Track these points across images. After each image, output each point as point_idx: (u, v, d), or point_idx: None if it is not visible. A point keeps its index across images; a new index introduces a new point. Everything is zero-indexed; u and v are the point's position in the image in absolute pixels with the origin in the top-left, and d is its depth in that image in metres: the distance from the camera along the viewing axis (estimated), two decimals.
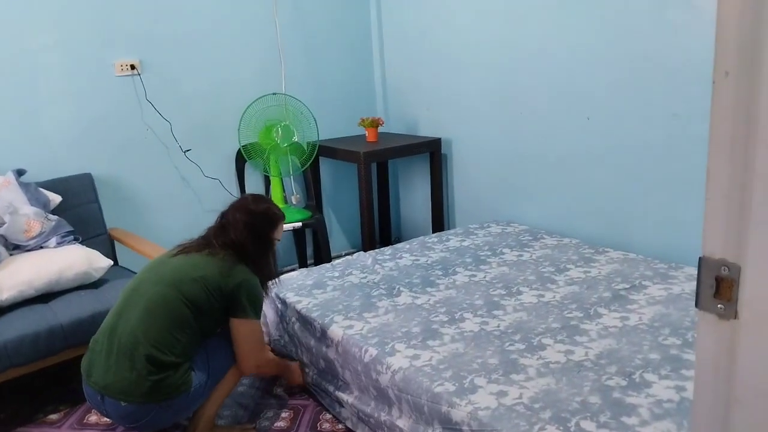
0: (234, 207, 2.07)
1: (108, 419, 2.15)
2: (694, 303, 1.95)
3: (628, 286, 2.22)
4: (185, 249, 2.02)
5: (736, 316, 0.62)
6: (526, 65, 2.96)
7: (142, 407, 1.80)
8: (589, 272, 2.39)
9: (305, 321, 2.24)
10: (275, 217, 2.12)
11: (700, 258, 0.65)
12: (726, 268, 0.63)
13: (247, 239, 2.00)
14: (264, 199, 2.15)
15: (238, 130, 3.11)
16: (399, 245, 2.87)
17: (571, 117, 2.81)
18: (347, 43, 3.70)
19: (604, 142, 2.70)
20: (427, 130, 3.60)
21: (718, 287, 0.63)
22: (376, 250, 2.83)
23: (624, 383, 1.65)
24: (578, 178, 2.85)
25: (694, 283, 2.06)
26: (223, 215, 2.06)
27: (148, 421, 1.89)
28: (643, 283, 2.24)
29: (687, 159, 2.42)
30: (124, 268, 2.74)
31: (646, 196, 2.59)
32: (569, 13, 2.72)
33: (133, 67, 2.94)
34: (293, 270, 3.61)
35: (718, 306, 0.64)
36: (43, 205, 2.53)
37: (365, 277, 2.49)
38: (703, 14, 2.26)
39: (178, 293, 1.87)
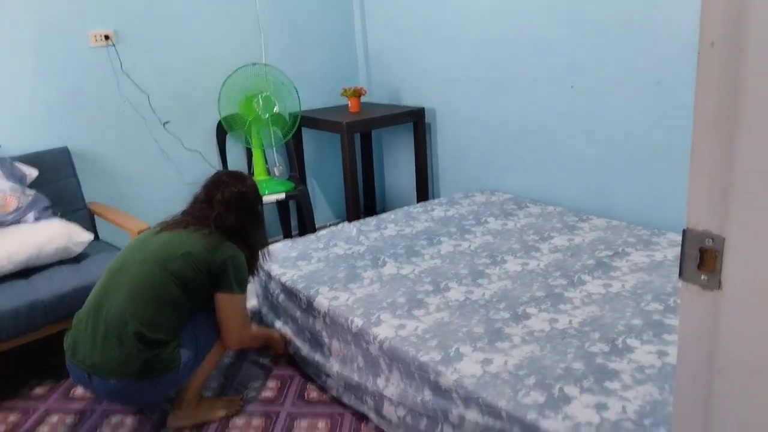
0: (215, 184, 2.03)
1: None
2: (676, 270, 1.97)
3: (611, 253, 2.24)
4: (169, 226, 1.99)
5: (719, 287, 0.63)
6: (510, 33, 2.92)
7: (131, 385, 1.79)
8: (573, 240, 2.40)
9: (290, 293, 2.23)
10: (259, 191, 2.11)
11: (684, 230, 0.65)
12: (710, 239, 0.62)
13: (239, 216, 1.99)
14: (244, 175, 2.12)
15: (218, 101, 3.05)
16: (383, 215, 2.86)
17: (554, 85, 2.79)
18: (328, 11, 3.63)
19: (588, 111, 2.69)
20: (410, 100, 3.56)
21: (702, 258, 0.63)
22: (361, 220, 2.81)
23: (607, 349, 1.67)
24: (562, 146, 2.85)
25: (677, 249, 2.09)
26: (207, 193, 2.02)
27: (137, 398, 1.89)
28: (626, 250, 2.26)
29: (670, 126, 2.43)
30: (105, 242, 2.71)
31: (630, 164, 2.60)
32: None
33: (107, 37, 2.86)
34: (278, 241, 3.61)
35: (702, 277, 0.64)
36: (20, 179, 2.47)
37: (350, 248, 2.49)
38: None
39: (164, 271, 1.85)
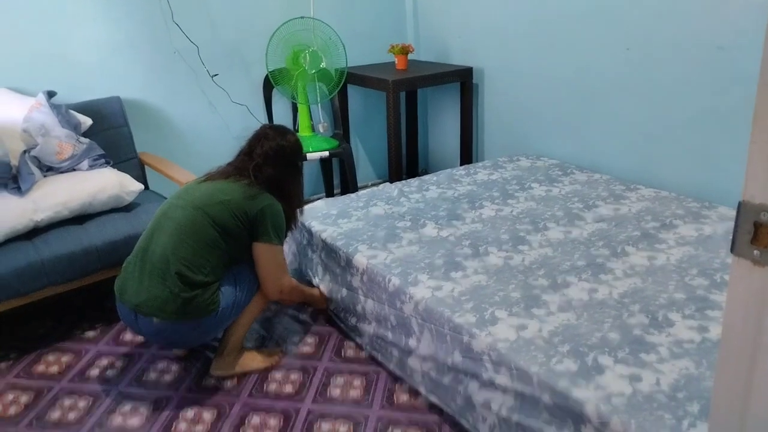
0: (258, 137, 2.09)
1: (141, 337, 2.26)
2: (725, 245, 1.91)
3: (658, 225, 2.18)
4: (212, 176, 2.06)
5: None
6: None
7: (173, 325, 1.87)
8: (619, 209, 2.34)
9: (330, 250, 2.27)
10: (301, 146, 2.15)
11: (739, 202, 0.62)
12: (766, 213, 0.60)
13: (277, 169, 2.05)
14: (286, 130, 2.15)
15: (266, 55, 3.05)
16: (426, 177, 2.85)
17: (608, 47, 2.68)
18: None
19: (643, 75, 2.59)
20: (458, 59, 3.49)
21: (756, 233, 0.61)
22: (403, 181, 2.81)
23: (646, 321, 1.65)
24: (612, 111, 2.75)
25: (727, 224, 2.02)
26: (251, 146, 2.08)
27: (179, 339, 1.98)
28: (674, 222, 2.20)
29: (729, 95, 2.31)
30: (155, 192, 2.78)
31: (684, 133, 2.50)
32: None
33: None
34: (320, 199, 3.65)
35: (755, 252, 0.61)
36: (74, 127, 2.56)
37: (390, 209, 2.49)
38: None
39: (205, 215, 1.92)
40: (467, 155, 3.51)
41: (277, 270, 2.07)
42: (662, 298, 1.75)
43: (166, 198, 2.60)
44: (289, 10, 3.18)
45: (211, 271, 1.92)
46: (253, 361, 2.14)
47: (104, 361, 2.23)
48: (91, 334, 2.41)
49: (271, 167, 2.03)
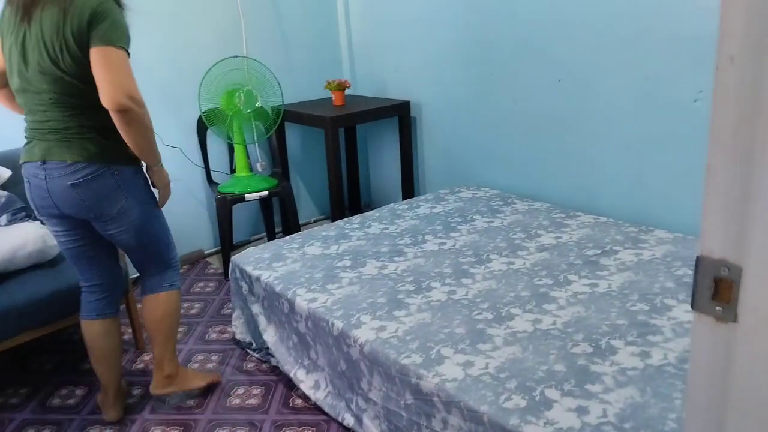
0: None
1: (71, 401, 2.09)
2: (664, 269, 1.92)
3: (598, 252, 2.20)
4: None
5: (735, 319, 0.58)
6: (497, 25, 2.86)
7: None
8: (560, 237, 2.36)
9: (273, 296, 2.18)
10: None
11: (697, 257, 0.60)
12: (726, 268, 0.58)
13: None
14: None
15: (199, 95, 2.98)
16: (368, 213, 2.81)
17: (542, 78, 2.74)
18: (310, 3, 3.56)
19: (576, 105, 2.65)
20: (395, 93, 3.50)
21: (717, 289, 0.58)
22: (345, 219, 2.76)
23: (590, 350, 1.63)
24: (549, 140, 2.80)
25: (665, 247, 2.04)
26: None
27: None
28: (614, 248, 2.22)
29: (657, 121, 2.38)
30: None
31: (617, 159, 2.56)
32: None
33: None
34: (261, 240, 3.56)
35: (716, 308, 0.59)
36: None
37: (327, 248, 2.43)
38: None
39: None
40: (409, 188, 3.50)
41: (125, 72, 1.71)
42: (605, 325, 1.74)
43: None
44: (221, 49, 3.13)
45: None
46: (193, 379, 2.15)
47: (31, 431, 2.05)
48: (14, 401, 2.23)
49: None
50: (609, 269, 2.07)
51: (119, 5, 1.78)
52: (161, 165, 1.94)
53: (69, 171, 1.76)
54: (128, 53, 1.74)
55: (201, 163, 3.24)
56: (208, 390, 2.21)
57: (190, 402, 2.15)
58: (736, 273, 0.57)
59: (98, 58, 1.67)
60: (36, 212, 1.90)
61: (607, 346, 1.64)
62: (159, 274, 2.04)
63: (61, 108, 1.75)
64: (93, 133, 1.77)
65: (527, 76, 2.80)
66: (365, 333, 1.81)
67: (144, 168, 1.92)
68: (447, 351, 1.68)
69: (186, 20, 3.10)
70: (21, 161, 1.84)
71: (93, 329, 2.02)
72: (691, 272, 1.99)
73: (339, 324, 1.88)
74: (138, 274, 2.09)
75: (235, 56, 3.06)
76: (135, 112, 1.70)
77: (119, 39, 1.70)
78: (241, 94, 2.99)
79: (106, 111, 1.70)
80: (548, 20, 2.64)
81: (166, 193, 2.00)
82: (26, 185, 1.85)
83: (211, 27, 3.18)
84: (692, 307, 0.61)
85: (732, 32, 0.52)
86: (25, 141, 1.85)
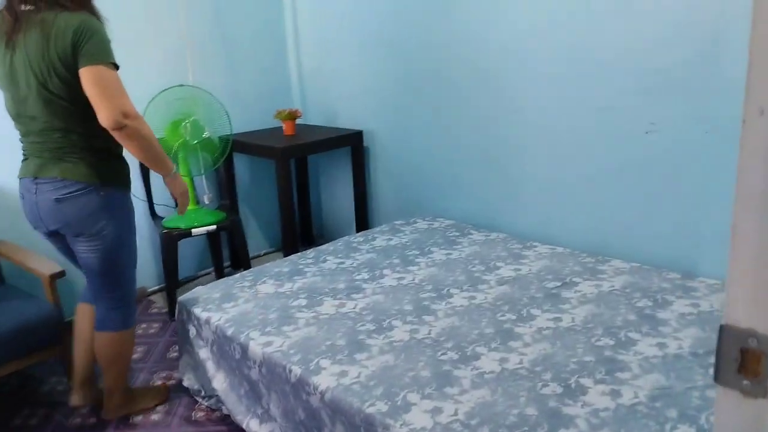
0: None
1: None
2: (624, 301, 1.90)
3: (559, 284, 2.18)
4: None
5: (765, 395, 0.53)
6: (450, 54, 2.85)
7: None
8: (520, 270, 2.33)
9: (222, 340, 2.05)
10: None
11: (721, 326, 0.55)
12: (754, 339, 0.52)
13: None
14: None
15: None
16: (323, 247, 2.71)
17: (497, 108, 2.74)
18: (259, 30, 3.48)
19: (531, 134, 2.65)
20: (348, 121, 3.44)
21: (744, 360, 0.53)
22: (299, 254, 2.65)
23: (560, 390, 1.58)
24: (504, 170, 2.79)
25: (623, 278, 2.03)
26: None
27: None
28: (574, 279, 2.20)
29: (611, 152, 2.41)
30: (14, 286, 2.43)
31: (572, 189, 2.56)
32: (494, 0, 2.63)
33: None
34: (209, 275, 3.40)
35: (744, 382, 0.54)
36: None
37: (281, 285, 2.32)
38: (631, 3, 2.22)
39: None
40: (363, 219, 3.43)
41: (118, 90, 1.74)
42: (572, 362, 1.70)
43: (27, 293, 2.33)
44: (166, 77, 3.00)
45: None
46: (142, 399, 2.22)
47: None
48: (33, 422, 2.15)
49: None
50: (571, 302, 2.05)
51: (99, 19, 1.80)
52: (176, 173, 2.02)
53: (57, 186, 1.81)
54: (117, 66, 1.78)
55: (144, 196, 3.08)
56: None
57: None
58: (766, 344, 0.52)
59: (89, 78, 1.71)
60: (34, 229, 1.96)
61: (576, 385, 1.60)
62: (115, 309, 2.02)
63: (55, 131, 1.80)
64: (85, 153, 1.83)
65: (482, 105, 2.80)
66: (326, 379, 1.71)
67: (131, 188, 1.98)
68: (413, 397, 1.60)
69: (128, 47, 2.93)
70: (18, 176, 1.91)
71: (81, 309, 2.15)
72: (651, 303, 1.99)
73: (297, 370, 1.77)
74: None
75: (181, 85, 2.93)
76: (131, 128, 1.74)
77: (107, 55, 1.74)
78: (188, 124, 2.86)
79: (99, 131, 1.75)
80: (503, 49, 2.65)
81: (184, 201, 2.08)
82: (21, 201, 1.92)
83: (154, 54, 3.04)
84: (715, 380, 0.56)
85: (762, 83, 0.47)
86: (23, 157, 1.91)
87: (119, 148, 1.88)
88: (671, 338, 1.78)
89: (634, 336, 1.81)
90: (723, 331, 0.54)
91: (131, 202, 1.99)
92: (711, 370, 1.62)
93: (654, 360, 1.68)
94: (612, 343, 1.78)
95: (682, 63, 2.13)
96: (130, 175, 1.99)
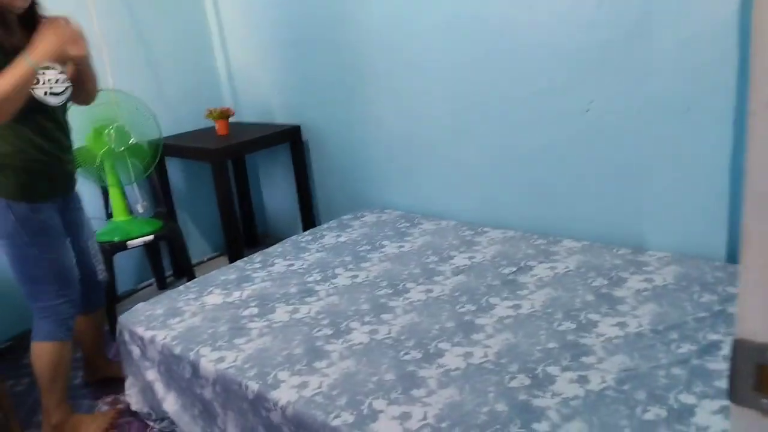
0: None
1: None
2: (581, 283, 1.89)
3: (514, 269, 2.15)
4: None
5: None
6: (378, 42, 2.77)
7: None
8: (474, 257, 2.29)
9: (170, 359, 1.92)
10: None
11: (734, 341, 0.49)
12: None
13: None
14: None
15: None
16: (269, 249, 2.60)
17: (433, 94, 2.68)
18: (179, 27, 3.28)
19: (470, 118, 2.61)
20: (283, 117, 3.32)
21: (761, 377, 0.48)
22: (245, 259, 2.53)
23: (528, 382, 1.55)
24: (447, 156, 2.74)
25: (576, 257, 2.01)
26: None
27: None
28: (528, 263, 2.19)
29: (549, 130, 2.39)
30: None
31: (517, 171, 2.54)
32: None
33: None
34: (150, 286, 3.22)
35: (762, 400, 0.48)
36: None
37: (229, 295, 2.20)
38: None
39: None
40: (309, 216, 3.32)
41: None
42: (537, 351, 1.68)
43: None
44: None
45: None
46: (86, 427, 2.11)
47: None
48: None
49: None
50: (528, 287, 2.03)
51: None
52: (30, 62, 1.73)
53: None
54: None
55: None
56: None
57: None
58: None
59: None
60: None
61: (544, 374, 1.57)
62: (40, 319, 2.02)
63: None
64: None
65: (416, 93, 2.73)
66: (286, 393, 1.62)
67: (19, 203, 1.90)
68: (380, 403, 1.53)
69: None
70: None
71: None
72: (606, 282, 1.99)
73: (254, 386, 1.67)
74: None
75: (100, 89, 2.72)
76: None
77: None
78: (111, 131, 2.66)
79: None
80: (433, 37, 2.59)
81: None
82: None
83: None
84: (730, 399, 0.51)
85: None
86: None
87: (21, 155, 1.87)
88: (630, 317, 1.78)
89: (594, 317, 1.80)
90: (737, 345, 0.49)
91: (16, 213, 1.88)
92: (673, 347, 1.63)
93: (616, 341, 1.67)
94: (573, 326, 1.77)
95: (612, 39, 2.13)
96: (39, 185, 1.93)
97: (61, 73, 1.94)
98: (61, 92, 1.94)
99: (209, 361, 1.81)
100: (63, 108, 2.00)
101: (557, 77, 2.31)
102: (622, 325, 1.74)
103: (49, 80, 1.88)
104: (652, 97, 2.10)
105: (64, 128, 2.02)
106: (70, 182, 2.11)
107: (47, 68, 1.85)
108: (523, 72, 2.39)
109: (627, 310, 1.82)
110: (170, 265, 3.31)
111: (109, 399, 2.33)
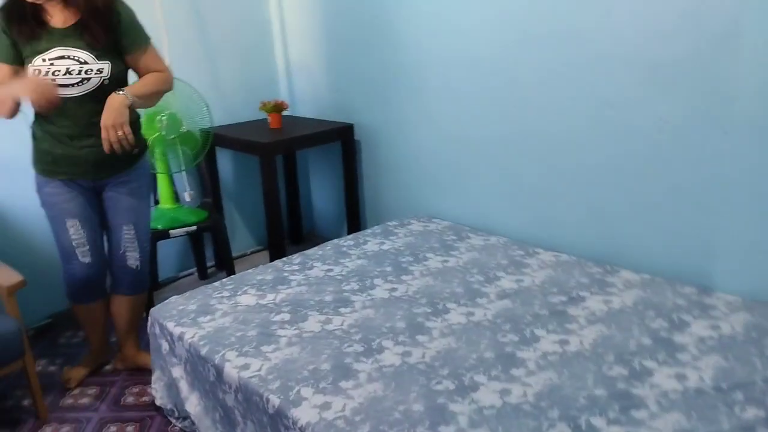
0: None
1: None
2: (637, 321, 1.71)
3: (565, 299, 2.00)
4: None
5: None
6: (445, 44, 2.64)
7: None
8: (522, 281, 2.14)
9: (196, 360, 1.87)
10: None
11: None
12: None
13: None
14: None
15: None
16: (310, 252, 2.52)
17: (495, 103, 2.53)
18: (240, 16, 3.24)
19: (530, 130, 2.45)
20: (337, 115, 3.23)
21: None
22: (284, 259, 2.46)
23: None
24: (503, 168, 2.59)
25: (634, 292, 1.82)
26: None
27: None
28: (581, 293, 2.02)
29: (614, 148, 2.21)
30: None
31: (575, 190, 2.37)
32: None
33: None
34: (191, 275, 3.21)
35: None
36: None
37: (263, 297, 2.13)
38: None
39: None
40: (354, 219, 3.23)
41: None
42: (582, 397, 1.53)
43: None
44: None
45: None
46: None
47: None
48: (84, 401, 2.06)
49: None
50: (578, 321, 1.87)
51: None
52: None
53: None
54: None
55: None
56: None
57: None
58: None
59: None
60: None
61: (587, 426, 1.42)
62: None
63: None
64: None
65: (472, 98, 2.59)
66: (306, 413, 1.53)
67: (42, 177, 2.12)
68: None
69: None
70: None
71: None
72: (666, 324, 1.81)
73: (275, 400, 1.59)
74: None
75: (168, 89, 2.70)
76: None
77: None
78: (163, 118, 2.64)
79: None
80: (500, 42, 2.44)
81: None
82: None
83: None
84: None
85: None
86: None
87: (39, 129, 2.07)
88: (691, 368, 1.60)
89: (650, 365, 1.63)
90: None
91: (39, 181, 2.13)
92: (737, 409, 1.45)
93: (673, 396, 1.50)
94: (625, 373, 1.60)
95: (694, 54, 1.93)
96: (45, 161, 2.08)
97: (84, 63, 1.93)
98: (75, 84, 1.96)
99: (233, 367, 1.74)
100: (90, 96, 1.99)
101: (628, 91, 2.12)
102: (680, 377, 1.57)
103: (56, 72, 1.92)
104: (736, 119, 1.89)
105: (83, 116, 2.01)
106: (87, 167, 2.09)
107: (60, 58, 1.92)
108: (591, 82, 2.22)
109: (688, 360, 1.64)
110: (213, 255, 3.29)
111: (135, 390, 2.31)
